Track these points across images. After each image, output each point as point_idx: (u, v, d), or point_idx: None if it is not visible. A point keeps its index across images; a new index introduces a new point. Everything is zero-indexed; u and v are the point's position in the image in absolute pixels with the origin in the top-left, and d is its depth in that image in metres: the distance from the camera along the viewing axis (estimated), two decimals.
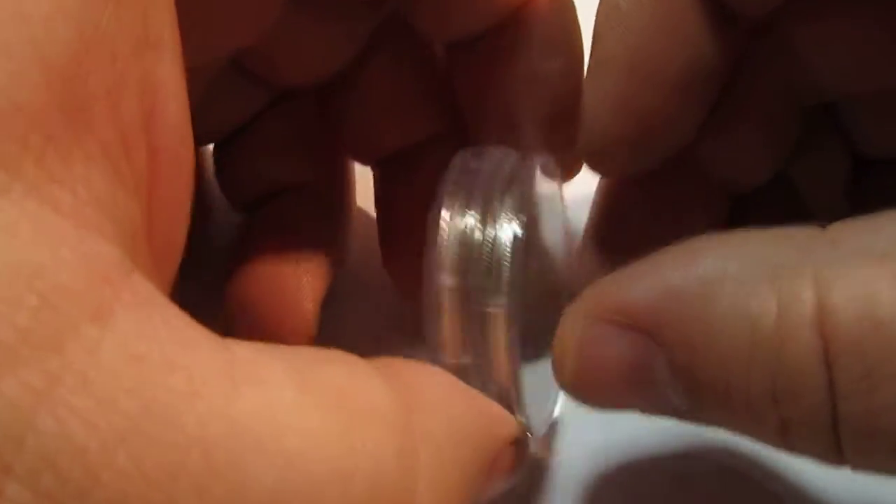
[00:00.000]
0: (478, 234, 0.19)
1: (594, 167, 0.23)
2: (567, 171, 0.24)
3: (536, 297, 0.20)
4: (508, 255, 0.19)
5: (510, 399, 0.19)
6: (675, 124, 0.21)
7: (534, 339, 0.20)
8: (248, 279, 0.24)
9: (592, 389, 0.18)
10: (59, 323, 0.11)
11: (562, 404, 0.23)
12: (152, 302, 0.13)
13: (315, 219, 0.25)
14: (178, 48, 0.15)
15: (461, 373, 0.19)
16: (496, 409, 0.19)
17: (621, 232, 0.24)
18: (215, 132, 0.25)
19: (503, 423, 0.19)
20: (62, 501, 0.11)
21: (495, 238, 0.19)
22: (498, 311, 0.19)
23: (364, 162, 0.26)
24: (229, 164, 0.26)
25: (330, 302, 0.24)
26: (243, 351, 0.14)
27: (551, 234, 0.22)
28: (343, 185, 0.26)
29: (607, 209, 0.24)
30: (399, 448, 0.15)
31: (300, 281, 0.23)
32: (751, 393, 0.15)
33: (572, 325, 0.18)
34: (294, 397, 0.13)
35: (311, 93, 0.25)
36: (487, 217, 0.19)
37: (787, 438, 0.16)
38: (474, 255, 0.19)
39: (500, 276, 0.19)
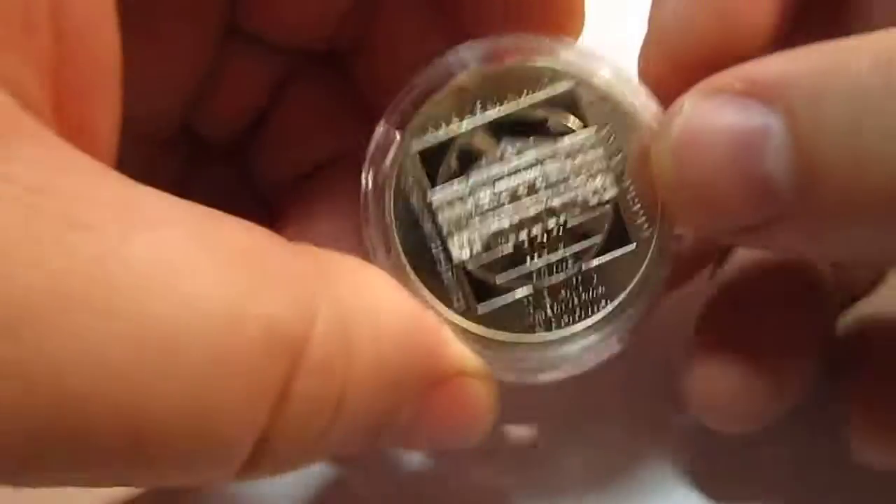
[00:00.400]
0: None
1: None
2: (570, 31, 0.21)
3: None
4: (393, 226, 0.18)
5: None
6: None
7: None
8: None
9: (693, 160, 0.17)
10: None
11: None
12: (55, 143, 0.13)
13: (350, 196, 0.23)
14: None
15: None
16: (450, 334, 0.17)
17: None
18: (238, 115, 0.24)
19: (452, 344, 0.17)
20: None
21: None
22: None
23: None
24: (258, 151, 0.25)
25: None
26: (149, 197, 0.14)
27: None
28: None
29: None
30: (297, 303, 0.15)
31: None
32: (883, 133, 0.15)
33: (681, 101, 0.18)
34: (190, 245, 0.14)
35: (333, 61, 0.24)
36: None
37: None
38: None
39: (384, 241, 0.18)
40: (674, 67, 0.20)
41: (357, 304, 0.16)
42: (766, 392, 0.20)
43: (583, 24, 0.21)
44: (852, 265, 0.23)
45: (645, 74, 0.20)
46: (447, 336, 0.17)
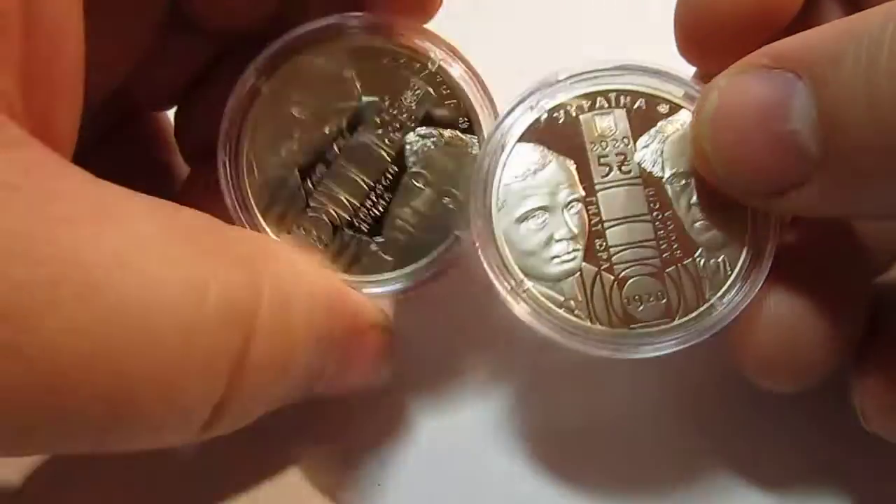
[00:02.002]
0: None
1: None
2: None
3: None
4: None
5: None
6: None
7: None
8: None
9: (727, 127, 0.19)
10: None
11: None
12: (27, 143, 0.14)
13: None
14: None
15: None
16: (359, 295, 0.21)
17: None
18: (169, 90, 0.26)
19: (363, 304, 0.20)
20: None
21: None
22: None
23: None
24: (187, 124, 0.27)
25: None
26: (112, 191, 0.16)
27: None
28: None
29: None
30: (247, 278, 0.17)
31: None
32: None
33: (717, 79, 0.20)
34: (155, 231, 0.16)
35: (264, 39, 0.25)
36: None
37: None
38: None
39: None
40: (710, 31, 0.21)
41: (293, 280, 0.18)
42: (825, 343, 0.21)
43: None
44: (882, 220, 0.23)
45: (682, 33, 0.22)
46: (362, 300, 0.21)
